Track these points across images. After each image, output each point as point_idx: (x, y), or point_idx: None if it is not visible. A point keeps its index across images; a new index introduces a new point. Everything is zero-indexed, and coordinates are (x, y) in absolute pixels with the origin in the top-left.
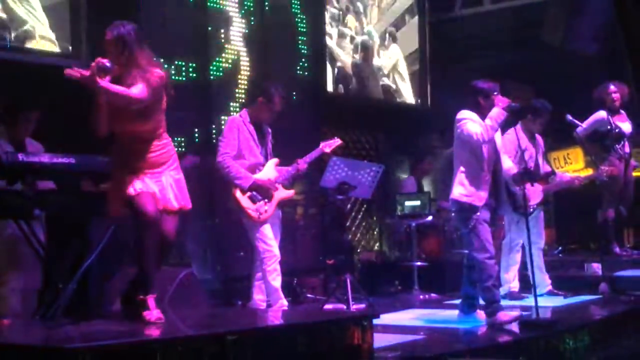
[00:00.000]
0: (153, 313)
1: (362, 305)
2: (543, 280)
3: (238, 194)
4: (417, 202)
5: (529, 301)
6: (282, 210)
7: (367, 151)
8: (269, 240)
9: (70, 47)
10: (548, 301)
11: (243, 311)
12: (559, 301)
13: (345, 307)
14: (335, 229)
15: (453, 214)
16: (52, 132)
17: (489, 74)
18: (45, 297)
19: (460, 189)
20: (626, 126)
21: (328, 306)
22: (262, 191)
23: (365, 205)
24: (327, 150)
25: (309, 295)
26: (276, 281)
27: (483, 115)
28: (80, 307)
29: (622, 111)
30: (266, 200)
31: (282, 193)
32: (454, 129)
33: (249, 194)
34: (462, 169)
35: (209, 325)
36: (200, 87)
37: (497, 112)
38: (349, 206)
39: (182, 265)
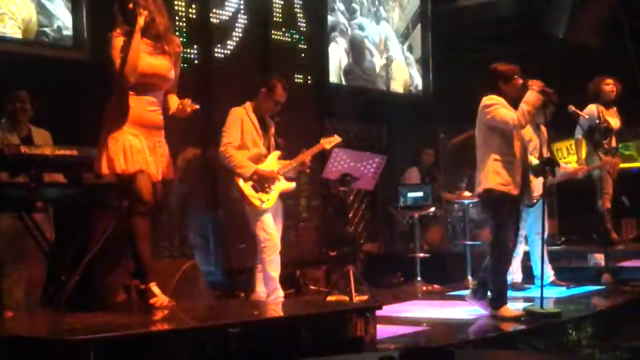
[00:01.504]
0: (160, 298)
1: (365, 297)
2: (546, 271)
3: (241, 182)
4: (420, 194)
5: (532, 292)
6: (284, 203)
7: (369, 142)
8: (270, 229)
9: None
10: (551, 292)
11: (246, 303)
12: (562, 292)
13: (348, 298)
14: (337, 220)
15: (480, 203)
16: (55, 124)
17: (490, 64)
18: (49, 289)
19: (497, 178)
20: (614, 121)
21: (331, 298)
22: (263, 180)
23: (368, 197)
24: (327, 147)
25: (311, 287)
26: (275, 271)
27: (505, 99)
28: (84, 298)
29: (614, 106)
30: (267, 190)
31: (283, 185)
32: (480, 115)
33: (251, 182)
34: (495, 156)
35: (212, 317)
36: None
37: (534, 96)
38: (351, 197)
39: (185, 257)
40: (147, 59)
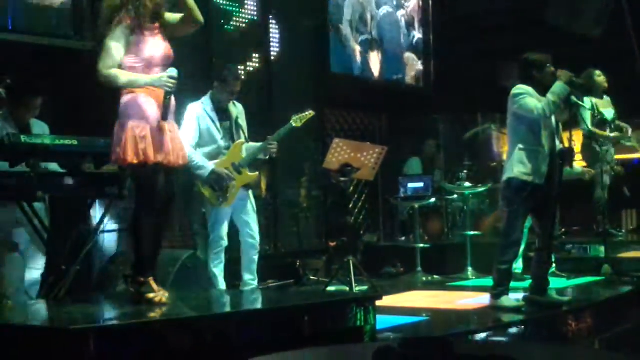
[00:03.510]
0: (158, 294)
1: (365, 287)
2: None
3: (199, 182)
4: (420, 184)
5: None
6: (252, 191)
7: (370, 133)
8: (221, 231)
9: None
10: (551, 283)
11: (246, 292)
12: (562, 283)
13: (348, 289)
14: (338, 211)
15: (501, 191)
16: (55, 113)
17: (491, 55)
18: (48, 279)
19: (521, 167)
20: (609, 112)
21: (331, 288)
22: (219, 181)
23: (368, 187)
24: (298, 124)
25: (312, 277)
26: (218, 268)
27: (537, 89)
28: (84, 288)
29: (606, 97)
30: (226, 188)
31: (246, 177)
32: (509, 104)
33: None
34: (520, 146)
35: (212, 307)
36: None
37: (561, 87)
38: (351, 188)
39: (186, 247)
40: (156, 41)
